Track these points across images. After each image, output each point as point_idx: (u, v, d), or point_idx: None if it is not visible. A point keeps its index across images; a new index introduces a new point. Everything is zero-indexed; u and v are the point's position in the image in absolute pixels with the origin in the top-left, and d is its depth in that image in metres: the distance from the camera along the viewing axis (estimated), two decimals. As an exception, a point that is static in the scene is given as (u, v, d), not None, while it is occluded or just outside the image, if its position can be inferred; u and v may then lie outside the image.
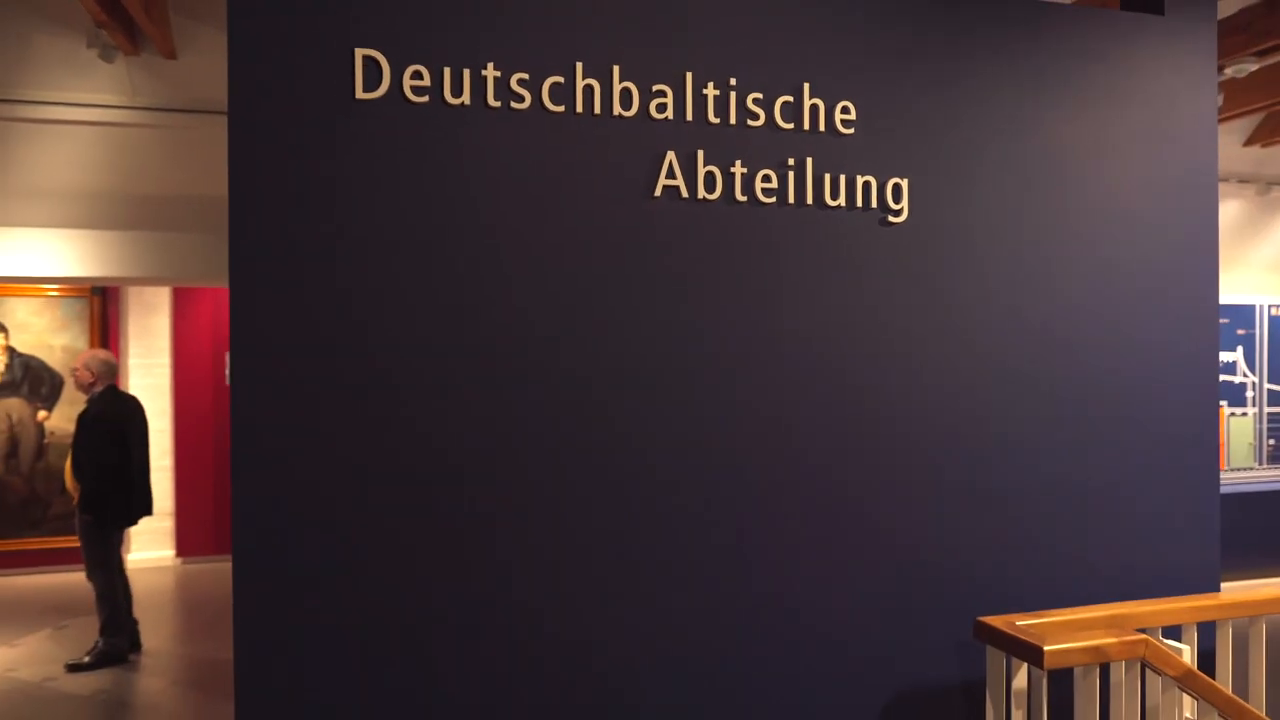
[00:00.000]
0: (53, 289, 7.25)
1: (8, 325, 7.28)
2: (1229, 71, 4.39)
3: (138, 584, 6.74)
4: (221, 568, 7.56)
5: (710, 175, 2.32)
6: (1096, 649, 2.21)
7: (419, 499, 2.15)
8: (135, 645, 5.09)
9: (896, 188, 2.47)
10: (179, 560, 7.69)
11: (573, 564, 2.25)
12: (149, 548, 7.72)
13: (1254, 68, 4.42)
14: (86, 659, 4.83)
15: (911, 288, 2.50)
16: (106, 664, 4.87)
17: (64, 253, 5.10)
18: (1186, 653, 2.45)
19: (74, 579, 6.38)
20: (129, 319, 7.65)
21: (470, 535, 2.18)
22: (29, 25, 4.27)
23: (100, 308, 7.45)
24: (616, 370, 2.27)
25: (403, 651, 2.14)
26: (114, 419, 4.89)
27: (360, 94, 2.11)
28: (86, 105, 4.51)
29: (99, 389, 4.94)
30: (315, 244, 2.10)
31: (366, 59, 2.12)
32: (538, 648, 2.22)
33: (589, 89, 2.24)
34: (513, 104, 2.19)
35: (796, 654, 2.42)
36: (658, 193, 2.29)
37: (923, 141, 2.51)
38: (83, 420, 4.89)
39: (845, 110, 2.43)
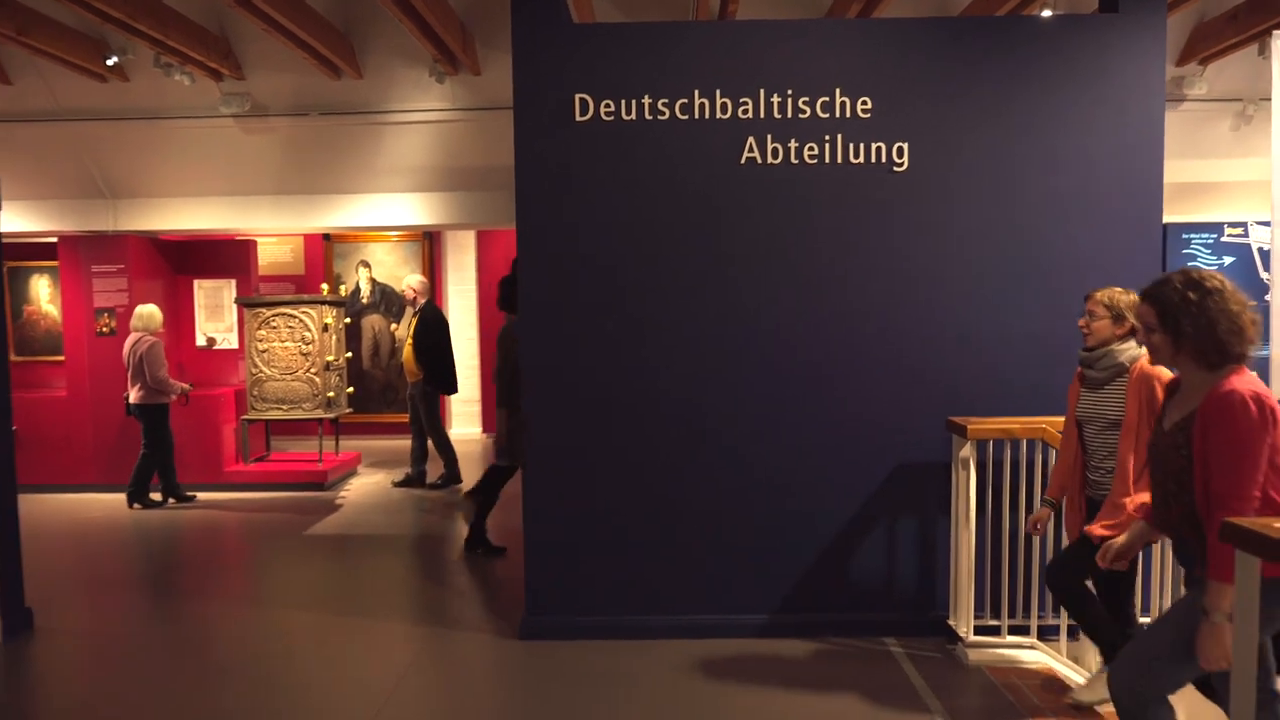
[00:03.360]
0: (398, 235, 10.00)
1: (370, 262, 10.18)
2: None
3: (458, 452, 9.39)
4: (514, 440, 10.06)
5: (775, 150, 3.93)
6: (1004, 429, 3.66)
7: (632, 371, 4.01)
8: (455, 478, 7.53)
9: (900, 148, 3.93)
10: (485, 435, 10.34)
11: (708, 390, 4.02)
12: (464, 425, 10.46)
13: None
14: (439, 480, 7.38)
15: (910, 214, 3.96)
16: (442, 485, 7.37)
17: (407, 209, 7.52)
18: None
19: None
20: (447, 255, 10.33)
21: (657, 384, 4.02)
22: (392, 64, 6.59)
23: (429, 248, 10.16)
24: (721, 269, 3.98)
25: (617, 471, 4.04)
26: (435, 321, 7.28)
27: (577, 118, 3.95)
28: (425, 110, 6.79)
29: (421, 302, 7.35)
30: (561, 202, 3.99)
31: (580, 98, 3.95)
32: (691, 435, 4.04)
33: (702, 105, 3.93)
34: (659, 117, 3.94)
35: (834, 434, 4.03)
36: (742, 162, 3.94)
37: (920, 117, 3.93)
38: (421, 321, 7.31)
39: (864, 102, 3.92)
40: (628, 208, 3.98)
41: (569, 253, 4.01)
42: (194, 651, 4.06)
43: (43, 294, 8.00)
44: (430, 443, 7.46)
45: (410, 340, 7.24)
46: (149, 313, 6.80)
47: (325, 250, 10.10)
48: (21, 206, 7.28)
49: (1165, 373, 3.16)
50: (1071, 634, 3.77)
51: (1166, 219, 8.46)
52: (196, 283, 8.10)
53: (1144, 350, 3.23)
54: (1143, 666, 2.42)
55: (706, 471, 4.06)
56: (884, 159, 3.95)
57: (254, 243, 8.42)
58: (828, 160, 3.95)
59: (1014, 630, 3.83)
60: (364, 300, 10.08)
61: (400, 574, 5.27)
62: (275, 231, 8.29)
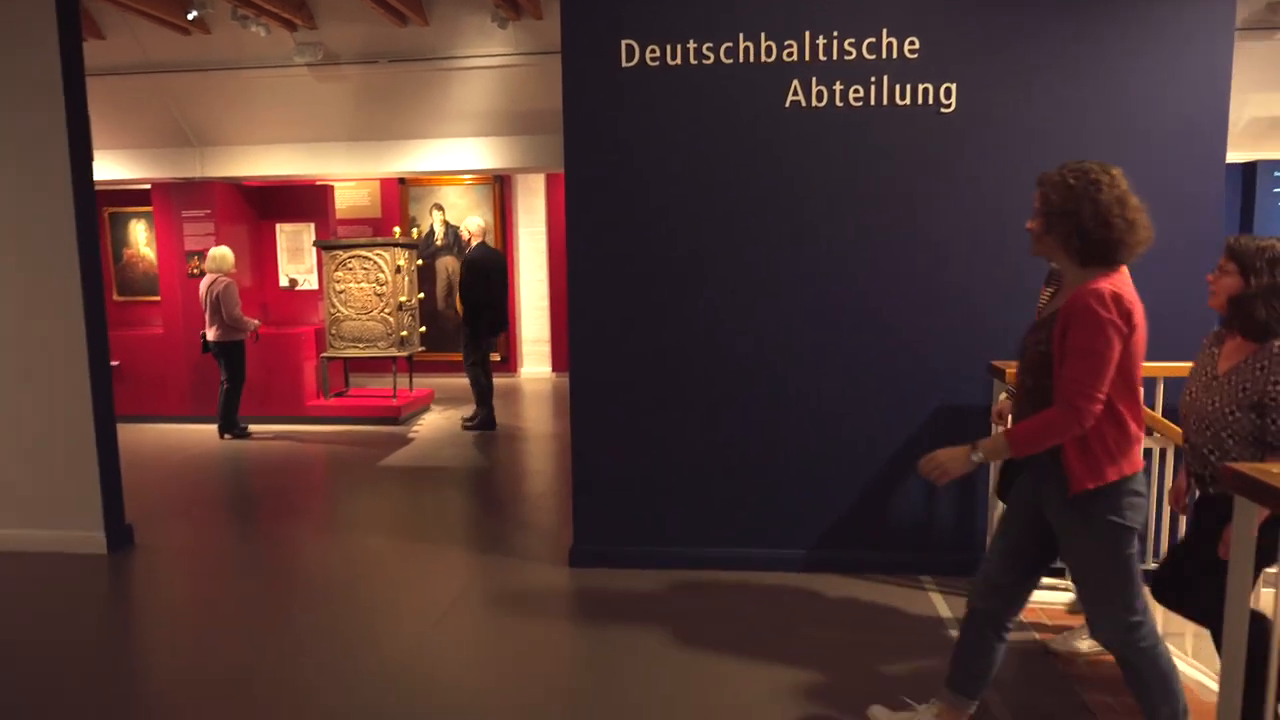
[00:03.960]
0: (469, 179, 10.22)
1: (443, 205, 10.45)
2: None
3: (526, 391, 9.69)
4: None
5: (820, 92, 3.93)
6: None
7: (679, 307, 4.12)
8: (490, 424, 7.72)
9: (947, 89, 3.88)
10: (554, 374, 10.61)
11: (753, 326, 4.12)
12: (534, 365, 10.76)
13: None
14: (470, 423, 7.67)
15: (957, 156, 3.92)
16: (481, 428, 7.63)
17: (474, 153, 7.69)
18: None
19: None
20: (518, 198, 10.52)
21: (703, 321, 4.12)
22: (456, 11, 6.70)
23: (499, 191, 10.36)
24: (765, 212, 4.03)
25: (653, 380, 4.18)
26: (482, 264, 7.46)
27: (624, 64, 4.02)
28: (489, 56, 6.90)
29: (474, 244, 7.53)
30: (607, 147, 4.08)
31: (626, 44, 4.01)
32: (732, 343, 4.15)
33: (746, 48, 3.94)
34: (704, 61, 3.97)
35: (880, 373, 4.09)
36: (787, 105, 3.96)
37: (968, 57, 3.86)
38: (464, 263, 7.51)
39: (912, 43, 3.87)
40: (674, 152, 4.05)
41: (616, 198, 4.11)
42: (273, 570, 4.43)
43: (140, 238, 8.50)
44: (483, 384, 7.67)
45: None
46: (221, 255, 7.21)
47: (401, 194, 10.40)
48: (118, 155, 7.73)
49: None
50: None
51: (1256, 156, 8.14)
52: (278, 226, 8.49)
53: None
54: (1102, 600, 2.42)
55: (753, 406, 4.18)
56: (931, 100, 3.91)
57: (331, 188, 8.75)
58: (873, 102, 3.93)
59: (1050, 573, 3.87)
60: (438, 242, 10.37)
61: (461, 505, 5.57)
62: (349, 176, 8.58)
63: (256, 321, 7.45)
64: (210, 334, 7.18)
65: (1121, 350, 2.25)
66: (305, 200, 8.50)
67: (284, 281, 8.54)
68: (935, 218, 3.98)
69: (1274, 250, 2.57)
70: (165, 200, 7.88)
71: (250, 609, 3.94)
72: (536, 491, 5.77)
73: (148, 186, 8.05)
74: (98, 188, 8.35)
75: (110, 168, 7.76)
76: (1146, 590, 2.56)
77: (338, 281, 7.89)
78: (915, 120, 3.93)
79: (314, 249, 8.32)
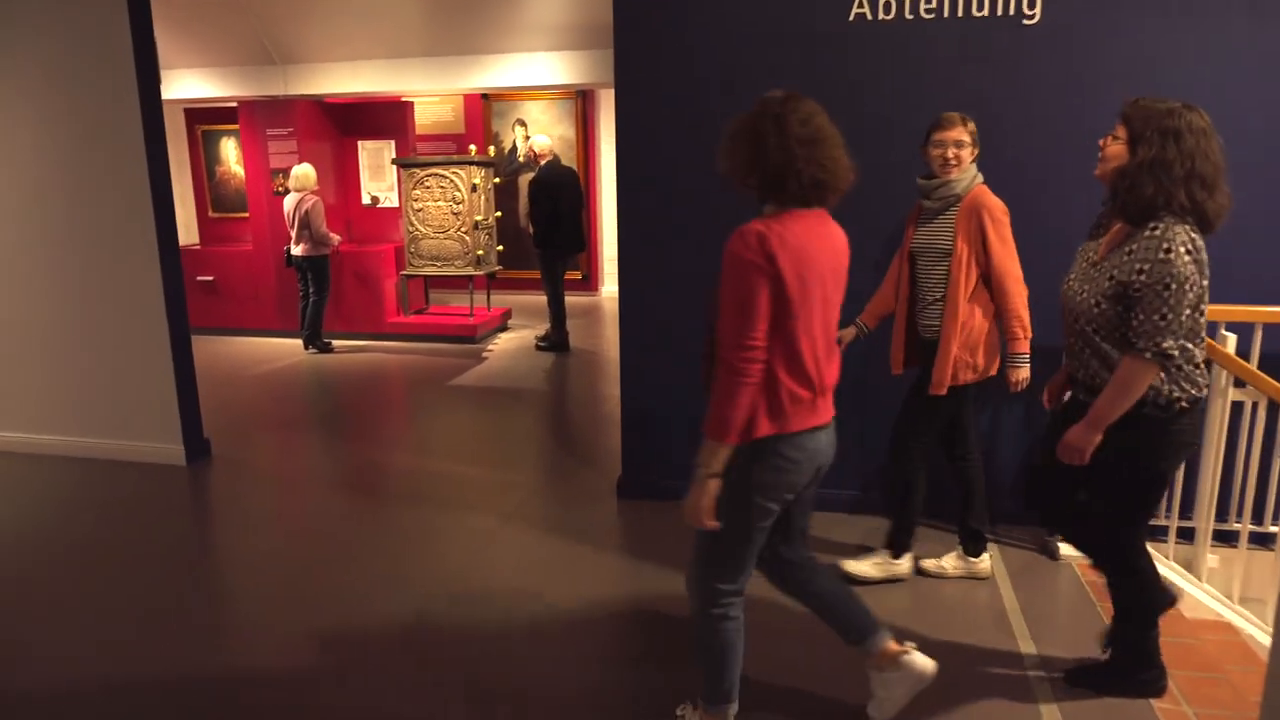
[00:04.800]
0: (553, 94, 10.04)
1: (526, 120, 10.33)
2: None
3: (606, 310, 9.65)
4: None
5: (888, 4, 3.61)
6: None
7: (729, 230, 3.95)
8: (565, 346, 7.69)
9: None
10: (635, 294, 10.52)
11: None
12: (615, 284, 10.69)
13: None
14: (543, 343, 7.66)
15: (1042, 72, 3.55)
16: (554, 349, 7.62)
17: (557, 67, 7.51)
18: (1230, 341, 3.37)
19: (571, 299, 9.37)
20: (600, 113, 10.29)
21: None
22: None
23: (581, 106, 10.15)
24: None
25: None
26: (549, 184, 7.33)
27: (677, -25, 3.78)
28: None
29: (542, 163, 7.39)
30: (659, 64, 3.88)
31: (681, -47, 3.75)
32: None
33: (808, -45, 3.63)
34: (762, -30, 3.69)
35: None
36: (851, 18, 3.65)
37: (1060, -40, 3.46)
38: (532, 181, 7.39)
39: (994, -55, 3.49)
40: (730, 69, 3.82)
41: (668, 118, 3.92)
42: (338, 484, 4.59)
43: (231, 155, 8.73)
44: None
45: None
46: (304, 173, 7.33)
47: (484, 109, 10.32)
48: (206, 74, 7.88)
49: (996, 203, 3.06)
50: (1183, 535, 3.55)
51: None
52: (360, 144, 8.56)
53: (978, 179, 3.13)
54: (701, 559, 2.34)
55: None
56: (1012, 10, 3.53)
57: (411, 104, 8.74)
58: (946, 14, 3.58)
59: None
60: (520, 159, 10.29)
61: (524, 427, 5.62)
62: (428, 93, 8.54)
63: (338, 237, 7.61)
64: (297, 249, 7.37)
65: (771, 294, 2.01)
66: (386, 117, 8.53)
67: (366, 199, 8.66)
68: (1018, 141, 3.65)
69: (1173, 120, 2.18)
70: (251, 118, 8.03)
71: (313, 522, 4.12)
72: (600, 414, 5.77)
73: (235, 105, 8.21)
74: (189, 106, 8.62)
75: (199, 86, 7.93)
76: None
77: (415, 200, 7.94)
78: (995, 32, 3.57)
79: (393, 166, 8.37)
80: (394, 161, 8.22)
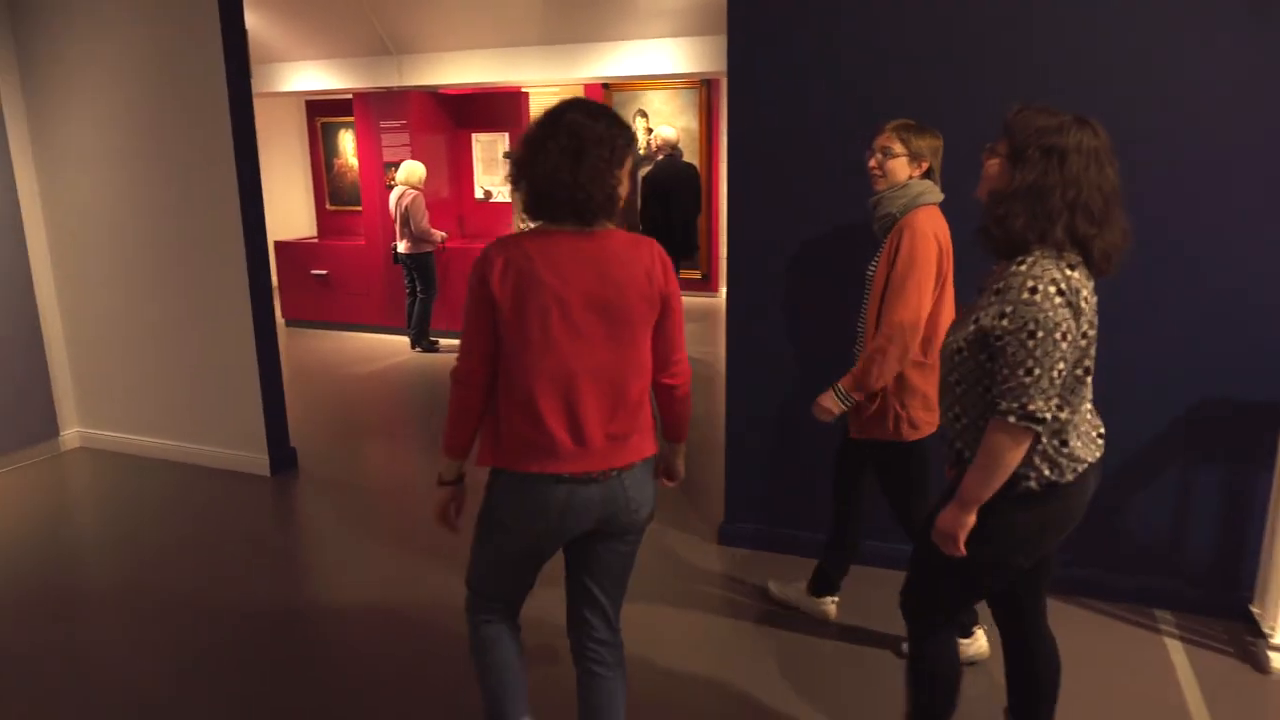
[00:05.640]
0: (676, 83, 9.53)
1: (647, 111, 9.86)
2: None
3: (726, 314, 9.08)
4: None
5: None
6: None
7: (847, 264, 3.36)
8: None
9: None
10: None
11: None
12: (736, 285, 10.11)
13: None
14: None
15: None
16: None
17: (678, 55, 7.01)
18: None
19: (689, 300, 8.86)
20: (725, 104, 9.70)
21: (864, 243, 3.34)
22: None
23: (706, 96, 9.60)
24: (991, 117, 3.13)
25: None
26: (662, 183, 6.78)
27: (805, -57, 3.19)
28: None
29: (659, 158, 6.87)
30: (788, 40, 3.32)
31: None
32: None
33: (968, -87, 2.98)
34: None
35: (1128, 342, 3.15)
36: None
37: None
38: (644, 181, 6.88)
39: (1214, -109, 2.74)
40: (870, 52, 3.21)
41: (786, 111, 3.35)
42: (423, 500, 4.26)
43: (348, 148, 8.64)
44: None
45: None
46: (409, 168, 7.13)
47: (604, 99, 9.92)
48: (322, 65, 7.78)
49: (929, 227, 2.54)
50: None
51: None
52: (474, 136, 8.30)
53: (923, 199, 2.60)
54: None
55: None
56: None
57: (526, 95, 8.41)
58: (1146, -19, 2.86)
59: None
60: (640, 151, 9.84)
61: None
62: (543, 83, 8.18)
63: (443, 234, 7.37)
64: (401, 246, 7.19)
65: (482, 316, 1.88)
66: (500, 109, 8.23)
67: (479, 193, 8.41)
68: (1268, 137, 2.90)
69: (1059, 138, 1.75)
70: (365, 110, 7.88)
71: (396, 539, 3.80)
72: (710, 440, 5.25)
73: (350, 97, 8.09)
74: (310, 99, 8.58)
75: (318, 78, 7.84)
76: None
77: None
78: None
79: (504, 160, 8.07)
80: (505, 155, 7.92)
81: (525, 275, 1.81)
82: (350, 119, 8.37)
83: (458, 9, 7.03)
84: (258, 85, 7.99)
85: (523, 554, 2.04)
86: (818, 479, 3.41)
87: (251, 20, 7.35)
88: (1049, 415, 1.74)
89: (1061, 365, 1.74)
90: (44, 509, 4.31)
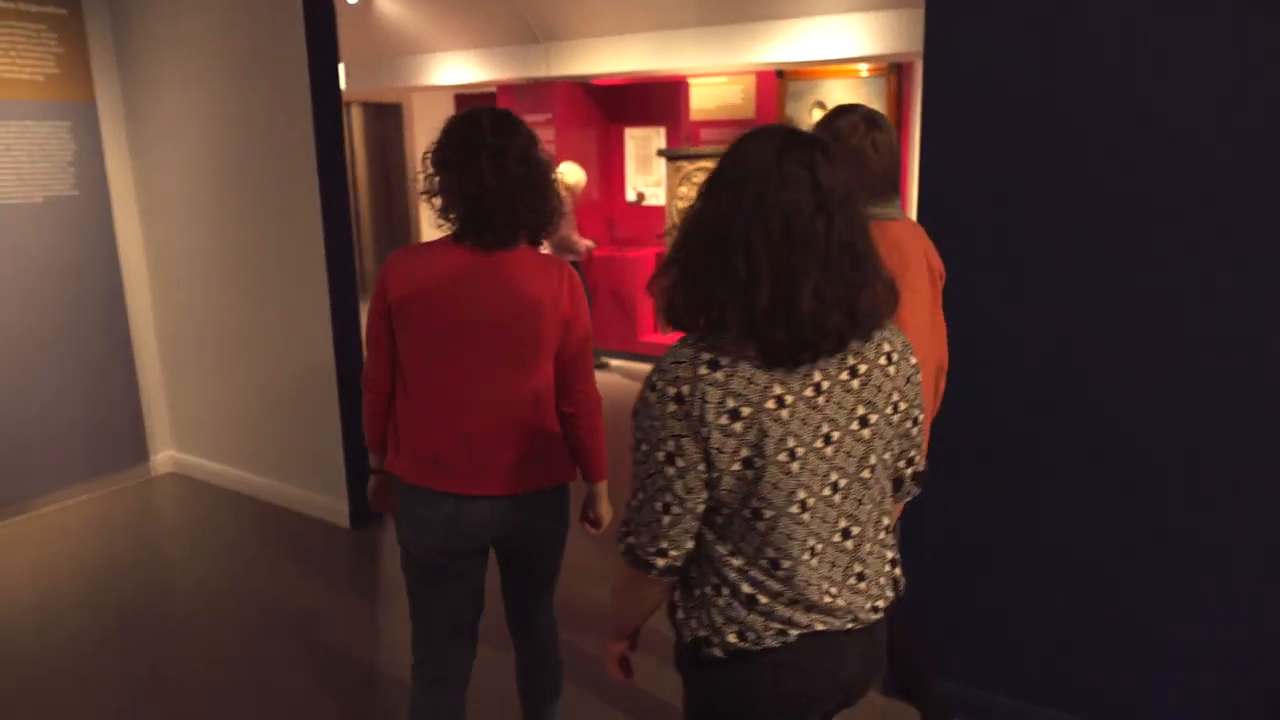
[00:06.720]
0: (862, 69, 8.36)
1: (826, 102, 8.74)
2: None
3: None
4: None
5: None
6: None
7: (1075, 353, 2.27)
8: None
9: None
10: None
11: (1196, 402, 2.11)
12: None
13: None
14: None
15: None
16: None
17: (861, 35, 5.94)
18: None
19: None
20: (916, 93, 8.42)
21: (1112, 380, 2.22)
22: None
23: (896, 84, 8.35)
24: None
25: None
26: None
27: None
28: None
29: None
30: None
31: None
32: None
33: None
34: None
35: None
36: None
37: None
38: None
39: None
40: (1091, 70, 2.09)
41: (993, 107, 2.28)
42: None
43: (495, 144, 8.11)
44: None
45: None
46: (563, 170, 6.38)
47: (778, 89, 8.86)
48: (466, 56, 7.24)
49: (902, 242, 2.00)
50: None
51: None
52: (627, 131, 7.52)
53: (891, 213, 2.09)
54: None
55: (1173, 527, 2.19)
56: None
57: (686, 85, 7.54)
58: None
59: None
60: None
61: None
62: (702, 70, 7.28)
63: (590, 243, 6.61)
64: (545, 251, 6.51)
65: (382, 326, 1.85)
66: (657, 101, 7.41)
67: (630, 195, 7.62)
68: None
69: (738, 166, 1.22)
70: (508, 104, 7.28)
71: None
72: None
73: (494, 90, 7.53)
74: (459, 92, 8.10)
75: (463, 69, 7.32)
76: None
77: (681, 198, 6.75)
78: None
79: (659, 158, 7.25)
80: (660, 153, 7.09)
81: (424, 289, 1.78)
82: (497, 114, 7.82)
83: (609, -11, 6.27)
84: (407, 79, 7.58)
85: (430, 569, 1.94)
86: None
87: (397, 10, 6.91)
88: (639, 552, 1.31)
89: (668, 496, 1.26)
90: (122, 538, 3.95)
